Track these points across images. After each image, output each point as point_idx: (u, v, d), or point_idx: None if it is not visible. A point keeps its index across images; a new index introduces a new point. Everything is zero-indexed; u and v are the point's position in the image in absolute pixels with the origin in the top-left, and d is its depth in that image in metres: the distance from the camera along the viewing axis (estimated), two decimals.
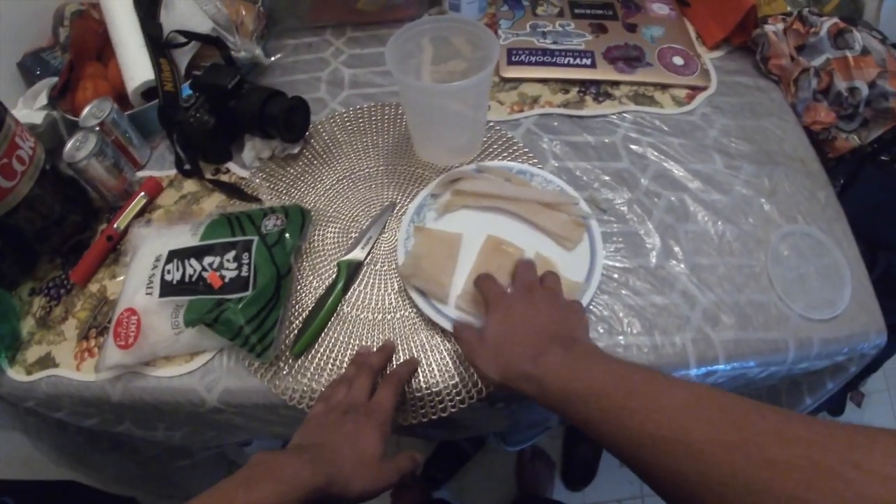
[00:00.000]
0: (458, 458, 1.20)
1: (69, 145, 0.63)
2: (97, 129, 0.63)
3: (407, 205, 0.61)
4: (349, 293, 0.57)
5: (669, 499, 0.31)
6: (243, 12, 0.72)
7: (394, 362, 0.52)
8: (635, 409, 0.33)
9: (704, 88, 0.69)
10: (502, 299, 0.46)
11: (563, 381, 0.37)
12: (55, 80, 0.74)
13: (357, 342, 0.54)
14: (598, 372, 0.37)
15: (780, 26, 0.70)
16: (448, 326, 0.51)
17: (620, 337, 0.52)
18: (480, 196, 0.58)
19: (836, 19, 0.68)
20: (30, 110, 0.72)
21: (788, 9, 0.74)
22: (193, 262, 0.55)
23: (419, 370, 0.52)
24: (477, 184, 0.59)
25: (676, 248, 0.57)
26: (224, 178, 0.67)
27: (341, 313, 0.55)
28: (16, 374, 0.58)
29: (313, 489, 0.35)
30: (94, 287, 0.61)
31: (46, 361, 0.58)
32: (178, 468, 0.77)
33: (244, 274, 0.53)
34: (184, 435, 0.63)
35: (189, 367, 0.54)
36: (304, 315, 0.55)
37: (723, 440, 0.28)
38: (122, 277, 0.60)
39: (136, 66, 0.69)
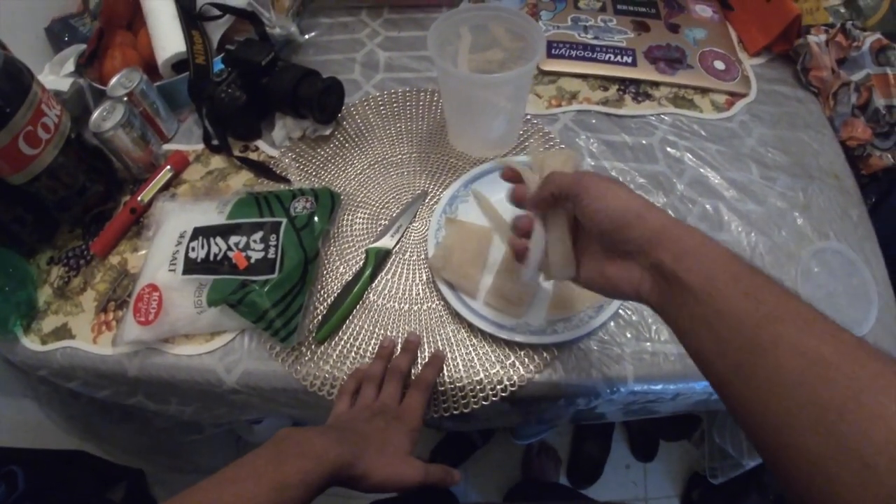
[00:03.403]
0: (466, 448, 1.20)
1: (96, 114, 0.62)
2: (125, 99, 0.62)
3: (439, 194, 0.59)
4: (376, 281, 0.56)
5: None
6: None
7: (419, 357, 0.51)
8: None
9: (744, 95, 0.68)
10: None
11: None
12: (83, 47, 0.73)
13: (382, 331, 0.53)
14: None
15: (823, 38, 0.69)
16: (476, 322, 0.50)
17: (648, 343, 0.51)
18: None
19: (879, 35, 0.67)
20: (56, 77, 0.71)
21: (831, 20, 0.72)
22: (219, 240, 0.54)
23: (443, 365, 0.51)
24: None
25: None
26: (252, 155, 0.66)
27: (367, 301, 0.55)
28: (30, 343, 0.57)
29: (338, 466, 0.35)
30: (114, 259, 0.61)
31: (62, 332, 0.57)
32: (187, 442, 0.76)
33: (271, 256, 0.52)
34: (195, 410, 0.63)
35: (209, 346, 0.54)
36: (329, 301, 0.54)
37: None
38: (143, 251, 0.59)
39: (168, 37, 0.67)
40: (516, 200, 0.41)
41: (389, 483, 0.38)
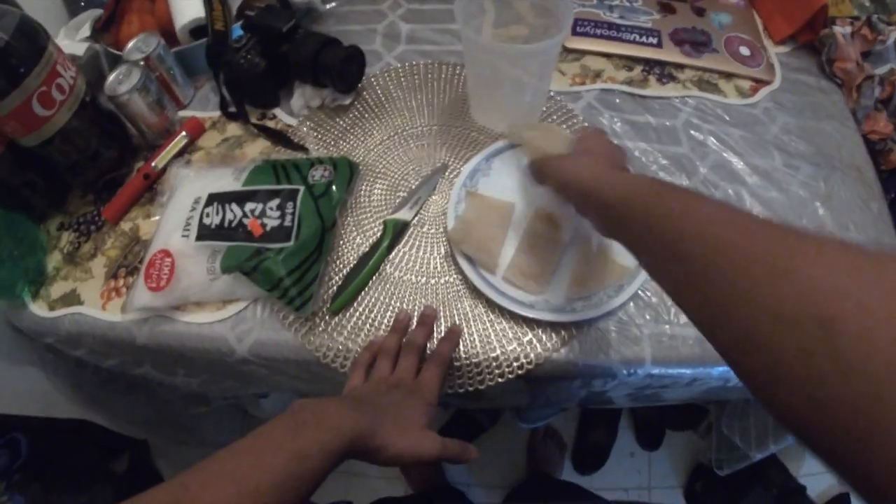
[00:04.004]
0: (472, 429, 1.19)
1: (111, 78, 0.61)
2: (142, 63, 0.61)
3: (459, 168, 0.59)
4: (393, 253, 0.55)
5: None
6: None
7: (435, 331, 0.51)
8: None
9: (768, 83, 0.67)
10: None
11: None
12: (100, 12, 0.71)
13: (398, 304, 0.52)
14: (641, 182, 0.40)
15: (849, 29, 0.68)
16: (494, 297, 0.49)
17: (667, 326, 0.51)
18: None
19: None
20: (71, 41, 0.70)
21: (856, 12, 0.71)
22: (234, 207, 0.53)
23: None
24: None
25: None
26: (270, 124, 0.65)
27: (384, 273, 0.54)
28: (38, 309, 0.56)
29: (356, 437, 0.34)
30: (126, 225, 0.60)
31: (71, 298, 0.56)
32: (192, 415, 0.76)
33: (287, 224, 0.52)
34: (202, 382, 0.62)
35: (221, 314, 0.53)
36: (345, 271, 0.53)
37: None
38: (156, 217, 0.58)
39: (187, 2, 0.66)
40: None
41: (406, 455, 0.38)
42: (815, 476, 1.06)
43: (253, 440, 0.33)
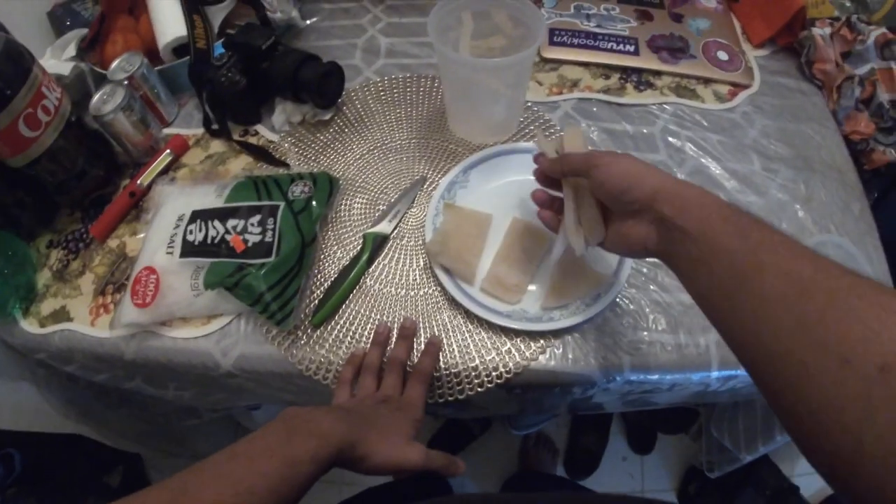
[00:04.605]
0: (464, 437, 1.20)
1: (96, 98, 0.62)
2: (126, 82, 0.62)
3: (438, 180, 0.59)
4: (373, 266, 0.56)
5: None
6: None
7: (414, 344, 0.51)
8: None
9: (747, 86, 0.67)
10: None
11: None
12: (85, 31, 0.73)
13: (378, 317, 0.53)
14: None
15: (828, 30, 0.68)
16: (472, 308, 0.50)
17: (645, 333, 0.51)
18: None
19: (884, 29, 0.66)
20: (57, 61, 0.71)
21: (836, 13, 0.72)
22: (217, 223, 0.54)
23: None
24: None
25: None
26: (252, 140, 0.66)
27: (364, 286, 0.55)
28: (29, 326, 0.57)
29: (344, 445, 0.36)
30: (113, 243, 0.61)
31: (61, 315, 0.57)
32: (184, 427, 0.76)
33: (268, 239, 0.52)
34: (193, 395, 0.63)
35: (206, 329, 0.54)
36: (326, 285, 0.54)
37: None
38: (142, 235, 0.59)
39: (169, 22, 0.67)
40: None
41: (390, 465, 0.39)
42: (808, 476, 1.05)
43: (247, 445, 0.34)
